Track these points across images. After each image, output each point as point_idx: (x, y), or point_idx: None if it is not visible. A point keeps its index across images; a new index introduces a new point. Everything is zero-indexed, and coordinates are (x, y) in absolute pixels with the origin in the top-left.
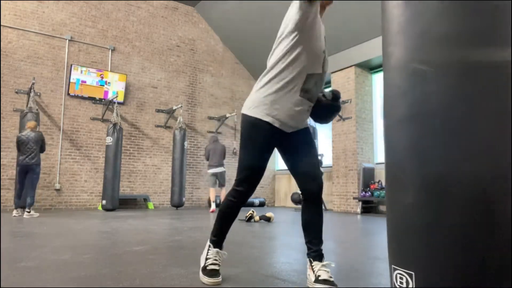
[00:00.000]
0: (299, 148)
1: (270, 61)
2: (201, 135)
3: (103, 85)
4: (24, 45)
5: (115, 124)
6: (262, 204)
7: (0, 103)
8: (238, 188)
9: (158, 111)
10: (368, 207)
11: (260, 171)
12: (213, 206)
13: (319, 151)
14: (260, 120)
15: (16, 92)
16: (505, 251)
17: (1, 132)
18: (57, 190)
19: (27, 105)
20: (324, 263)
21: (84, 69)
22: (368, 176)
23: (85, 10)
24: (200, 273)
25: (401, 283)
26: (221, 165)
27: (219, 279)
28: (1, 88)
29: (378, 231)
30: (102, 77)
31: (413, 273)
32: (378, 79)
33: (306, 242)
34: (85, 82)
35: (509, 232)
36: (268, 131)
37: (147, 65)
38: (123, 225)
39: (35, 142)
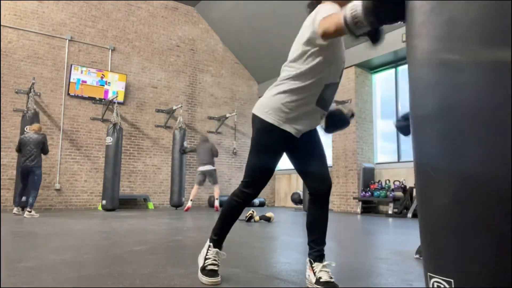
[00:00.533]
0: (307, 148)
1: (290, 67)
2: (201, 135)
3: (103, 85)
4: (24, 45)
5: (115, 124)
6: (262, 204)
7: (0, 103)
8: (245, 190)
9: (158, 111)
10: (368, 207)
11: (269, 175)
12: (189, 203)
13: None
14: (277, 127)
15: (16, 92)
16: None
17: (1, 132)
18: (57, 190)
19: (27, 105)
20: (325, 263)
21: (84, 69)
22: (368, 176)
23: (85, 10)
24: (199, 273)
25: None
26: (209, 163)
27: (218, 279)
28: (1, 88)
29: (378, 231)
30: (102, 77)
31: (452, 280)
32: (378, 79)
33: (309, 242)
34: (85, 82)
35: None
36: (282, 138)
37: (147, 65)
38: (123, 225)
39: (36, 144)
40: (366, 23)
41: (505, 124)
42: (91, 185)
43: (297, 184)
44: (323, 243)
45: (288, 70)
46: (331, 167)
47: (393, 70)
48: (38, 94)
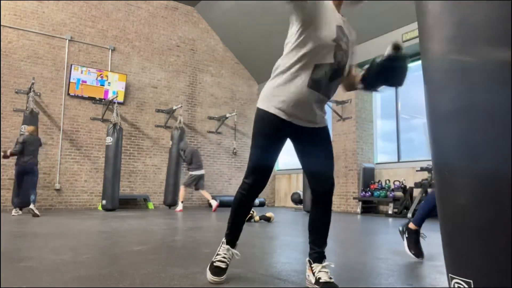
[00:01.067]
0: (314, 146)
1: (281, 59)
2: (201, 135)
3: (103, 85)
4: (24, 45)
5: (115, 124)
6: (262, 204)
7: (0, 103)
8: (246, 180)
9: (158, 111)
10: (368, 207)
11: (266, 163)
12: (180, 206)
13: None
14: (267, 112)
15: (16, 92)
16: None
17: (1, 132)
18: (57, 190)
19: (27, 105)
20: (324, 264)
21: (84, 69)
22: (368, 176)
23: (85, 10)
24: (208, 266)
25: None
26: (202, 168)
27: (221, 278)
28: (1, 88)
29: (378, 231)
30: (102, 77)
31: (471, 281)
32: None
33: (310, 242)
34: (85, 82)
35: None
36: (275, 123)
37: (147, 65)
38: (123, 225)
39: (38, 145)
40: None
41: None
42: (91, 185)
43: (297, 184)
44: (324, 244)
45: (279, 62)
46: None
47: None
48: (38, 94)
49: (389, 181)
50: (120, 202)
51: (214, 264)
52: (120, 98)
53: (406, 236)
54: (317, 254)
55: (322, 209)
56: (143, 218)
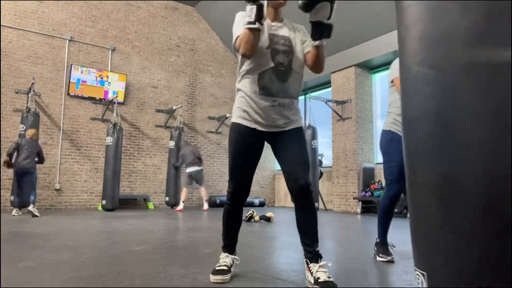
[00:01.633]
0: (285, 148)
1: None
2: (201, 135)
3: (103, 85)
4: (24, 45)
5: (115, 124)
6: (262, 204)
7: (0, 103)
8: (228, 190)
9: (158, 111)
10: (368, 207)
11: (240, 171)
12: (181, 205)
13: (319, 151)
14: (234, 122)
15: (16, 92)
16: None
17: (1, 132)
18: (57, 190)
19: (27, 105)
20: (321, 263)
21: (84, 69)
22: (368, 176)
23: (85, 10)
24: (210, 273)
25: (417, 283)
26: (196, 164)
27: (225, 277)
28: (1, 88)
29: None
30: (102, 77)
31: (425, 273)
32: (378, 79)
33: (301, 243)
34: (85, 82)
35: None
36: (242, 132)
37: (147, 65)
38: (123, 225)
39: (32, 149)
40: None
41: (463, 132)
42: (91, 185)
43: None
44: (314, 243)
45: (236, 86)
46: (331, 167)
47: None
48: (38, 94)
49: None
50: (120, 202)
51: (216, 269)
52: (120, 98)
53: (375, 249)
54: (311, 254)
55: (301, 208)
56: (143, 218)
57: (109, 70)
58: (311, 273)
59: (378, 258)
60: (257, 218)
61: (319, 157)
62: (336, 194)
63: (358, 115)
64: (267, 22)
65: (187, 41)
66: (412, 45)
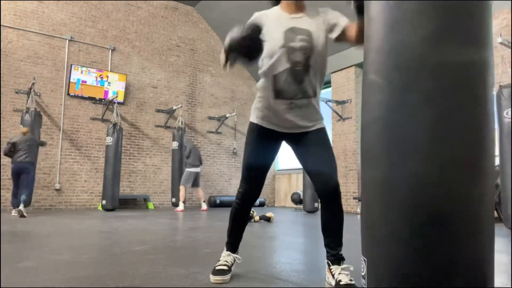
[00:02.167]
0: (310, 149)
1: None
2: (201, 135)
3: (103, 85)
4: (24, 45)
5: (115, 124)
6: (262, 204)
7: (0, 103)
8: (240, 189)
9: (158, 111)
10: None
11: (254, 170)
12: (181, 206)
13: None
14: (252, 123)
15: (16, 92)
16: (444, 249)
17: (1, 132)
18: (57, 190)
19: (27, 105)
20: (343, 266)
21: (84, 69)
22: None
23: (85, 10)
24: (210, 272)
25: (362, 267)
26: (199, 165)
27: (225, 277)
28: (1, 88)
29: None
30: (102, 77)
31: (366, 259)
32: None
33: (324, 245)
34: (85, 82)
35: (443, 231)
36: (258, 131)
37: (147, 65)
38: (123, 225)
39: (29, 144)
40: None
41: (401, 136)
42: (91, 185)
43: (297, 184)
44: (338, 246)
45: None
46: None
47: None
48: (38, 94)
49: None
50: (120, 202)
51: (216, 268)
52: (120, 98)
53: None
54: (333, 257)
55: (328, 211)
56: (143, 218)
57: (109, 70)
58: (333, 275)
59: None
60: (257, 218)
61: None
62: None
63: (358, 115)
64: (283, 16)
65: (187, 41)
66: (370, 55)
